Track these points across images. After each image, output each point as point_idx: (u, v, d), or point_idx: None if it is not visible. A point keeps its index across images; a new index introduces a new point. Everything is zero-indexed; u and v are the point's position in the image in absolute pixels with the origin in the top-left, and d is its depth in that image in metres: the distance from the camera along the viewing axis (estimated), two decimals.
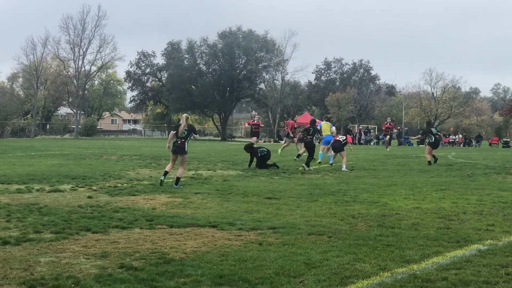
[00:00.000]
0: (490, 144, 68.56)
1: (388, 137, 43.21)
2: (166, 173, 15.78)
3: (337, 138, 24.01)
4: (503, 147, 63.21)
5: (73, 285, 5.90)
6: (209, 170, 20.26)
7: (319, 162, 24.14)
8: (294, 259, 7.01)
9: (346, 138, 24.93)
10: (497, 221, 9.97)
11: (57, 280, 6.02)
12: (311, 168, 21.22)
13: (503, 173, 20.12)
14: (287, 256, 7.14)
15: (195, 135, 16.10)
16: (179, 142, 15.73)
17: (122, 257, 7.08)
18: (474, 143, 67.33)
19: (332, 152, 24.30)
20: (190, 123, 16.55)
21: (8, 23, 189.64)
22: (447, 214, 10.64)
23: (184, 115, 16.70)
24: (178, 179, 15.40)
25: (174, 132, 15.93)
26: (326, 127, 26.01)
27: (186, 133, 15.79)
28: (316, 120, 27.13)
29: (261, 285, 5.94)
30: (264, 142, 69.47)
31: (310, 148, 22.46)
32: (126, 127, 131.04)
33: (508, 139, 69.98)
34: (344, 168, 21.23)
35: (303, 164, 21.59)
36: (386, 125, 43.46)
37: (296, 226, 9.22)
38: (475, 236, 8.55)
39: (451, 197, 13.14)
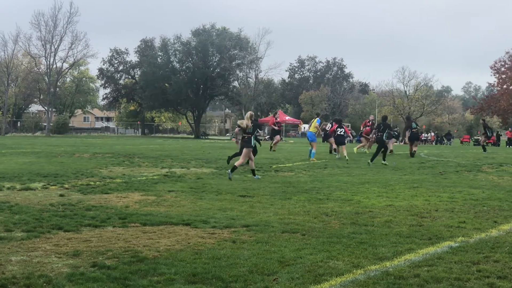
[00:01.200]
0: (461, 142, 69.30)
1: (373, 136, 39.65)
2: (234, 167, 16.88)
3: (338, 133, 25.72)
4: (474, 145, 63.89)
5: (44, 284, 5.83)
6: (182, 168, 20.18)
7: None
8: (267, 257, 7.01)
9: (344, 130, 26.37)
10: (469, 218, 10.06)
11: (28, 279, 5.95)
12: (386, 163, 22.78)
13: (474, 171, 20.32)
14: (260, 254, 7.14)
15: (260, 131, 17.33)
16: (246, 137, 17.19)
17: (95, 256, 7.02)
18: (445, 141, 67.94)
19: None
20: (253, 119, 17.74)
21: None
22: (419, 212, 10.72)
23: (249, 112, 18.04)
24: (235, 167, 16.83)
25: (239, 128, 17.57)
26: (314, 124, 26.63)
27: (252, 129, 17.27)
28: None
29: (234, 283, 5.93)
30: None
31: (381, 144, 23.79)
32: (99, 124, 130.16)
33: (479, 137, 70.72)
34: (345, 155, 24.80)
35: (382, 161, 23.01)
36: (368, 123, 38.51)
37: (270, 224, 9.22)
38: (446, 233, 8.62)
39: (424, 195, 13.23)
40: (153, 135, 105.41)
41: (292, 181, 16.14)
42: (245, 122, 17.18)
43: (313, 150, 25.65)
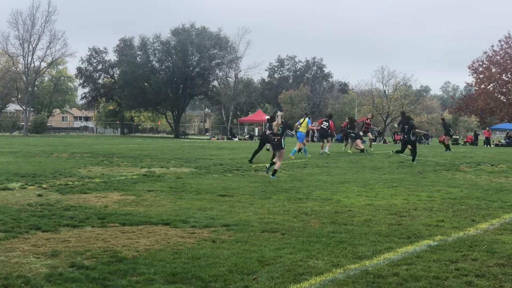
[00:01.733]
0: (440, 142, 69.71)
1: (369, 134, 37.84)
2: (272, 163, 17.43)
3: (322, 126, 26.27)
4: (453, 144, 64.32)
5: (23, 285, 5.79)
6: (162, 167, 20.12)
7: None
8: (247, 256, 7.01)
9: (329, 125, 26.86)
10: (447, 217, 10.13)
11: (6, 279, 5.90)
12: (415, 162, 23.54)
13: (452, 170, 20.46)
14: (240, 254, 7.13)
15: (291, 132, 17.53)
16: (275, 139, 17.25)
17: (73, 256, 6.98)
18: (424, 140, 68.29)
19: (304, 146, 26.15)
20: (283, 120, 17.70)
21: None
22: (398, 211, 10.77)
23: (279, 112, 17.99)
24: (275, 171, 16.95)
25: (270, 131, 17.90)
26: (304, 124, 27.07)
27: (281, 130, 17.25)
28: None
29: (214, 283, 5.92)
30: (217, 139, 69.39)
31: (413, 145, 24.63)
32: (77, 124, 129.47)
33: (458, 137, 71.24)
34: (327, 150, 23.99)
35: (412, 161, 23.66)
36: (366, 121, 37.73)
37: (250, 223, 9.22)
38: (425, 232, 8.67)
39: (403, 194, 13.31)
40: (132, 134, 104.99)
41: (272, 180, 16.15)
42: (275, 124, 17.32)
43: (296, 148, 26.21)
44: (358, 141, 31.07)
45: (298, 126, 27.22)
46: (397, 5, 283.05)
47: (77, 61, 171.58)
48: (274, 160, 17.77)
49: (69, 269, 6.40)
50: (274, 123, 17.44)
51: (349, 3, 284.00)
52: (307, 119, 27.95)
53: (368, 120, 35.55)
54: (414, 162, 23.64)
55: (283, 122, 17.38)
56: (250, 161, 22.85)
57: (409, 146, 25.10)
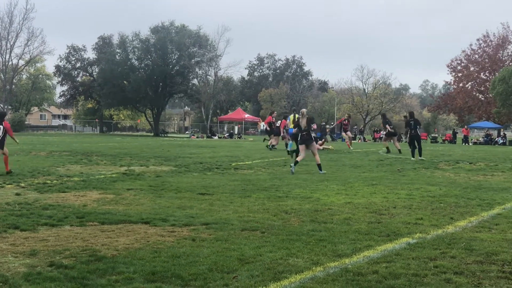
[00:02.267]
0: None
1: (349, 133, 37.62)
2: (296, 162, 18.29)
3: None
4: (432, 142, 64.73)
5: (1, 284, 5.74)
6: (142, 166, 20.05)
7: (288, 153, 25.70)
8: (227, 254, 7.00)
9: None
10: (426, 215, 10.18)
11: None
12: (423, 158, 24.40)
13: (431, 168, 20.59)
14: (220, 252, 7.12)
15: (313, 127, 19.97)
16: (305, 134, 18.48)
17: (52, 255, 6.93)
18: (403, 138, 68.67)
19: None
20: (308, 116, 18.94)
21: None
22: (378, 209, 10.82)
23: (304, 110, 19.42)
24: (319, 165, 18.30)
25: (297, 128, 19.07)
26: (293, 119, 27.66)
27: (307, 126, 18.49)
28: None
29: (194, 281, 5.91)
30: (197, 138, 69.30)
31: (417, 140, 25.36)
32: (56, 122, 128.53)
33: (436, 135, 71.72)
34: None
35: (420, 157, 24.53)
36: (344, 122, 38.04)
37: (229, 221, 9.21)
38: (404, 230, 8.71)
39: (382, 192, 13.36)
40: (111, 133, 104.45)
41: (252, 179, 16.15)
42: (302, 121, 18.60)
43: (290, 142, 26.81)
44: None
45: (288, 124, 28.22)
46: (376, 4, 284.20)
47: (55, 59, 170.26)
48: (299, 158, 18.62)
49: (48, 268, 6.36)
50: (301, 120, 18.67)
51: (329, 2, 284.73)
52: (297, 115, 28.25)
53: (346, 121, 36.06)
54: (420, 158, 24.57)
55: (307, 118, 18.58)
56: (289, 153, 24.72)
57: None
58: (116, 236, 8.11)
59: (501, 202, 11.91)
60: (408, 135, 26.18)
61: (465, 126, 69.77)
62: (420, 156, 24.71)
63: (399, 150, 30.09)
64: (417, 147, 25.18)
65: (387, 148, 31.49)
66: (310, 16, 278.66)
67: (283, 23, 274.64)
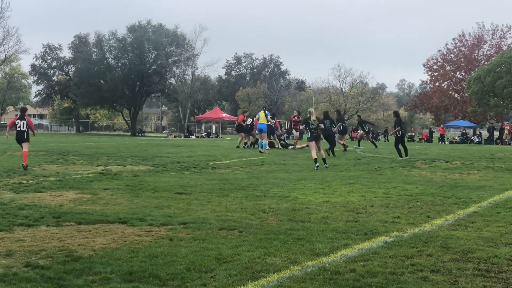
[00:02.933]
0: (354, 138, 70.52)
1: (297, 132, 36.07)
2: (316, 160, 19.52)
3: (268, 123, 28.29)
4: (409, 141, 65.13)
5: None
6: (119, 165, 19.95)
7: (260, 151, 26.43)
8: (205, 254, 6.98)
9: (274, 122, 28.57)
10: (403, 213, 10.24)
11: None
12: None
13: (408, 167, 20.70)
14: (198, 252, 7.10)
15: (321, 125, 21.61)
16: (314, 132, 20.03)
17: (28, 256, 6.86)
18: (382, 137, 68.99)
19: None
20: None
21: None
22: (355, 208, 10.85)
23: (311, 109, 20.79)
24: (324, 159, 19.99)
25: (305, 125, 20.58)
26: (262, 116, 28.52)
27: (315, 125, 20.05)
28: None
29: (172, 281, 5.88)
30: (175, 137, 69.13)
31: (401, 139, 25.73)
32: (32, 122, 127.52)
33: (413, 134, 72.20)
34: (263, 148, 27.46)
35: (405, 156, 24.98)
36: (293, 118, 36.85)
37: (207, 221, 9.19)
38: (382, 228, 8.75)
39: (359, 191, 13.41)
40: (88, 132, 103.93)
41: (229, 178, 16.14)
42: (313, 120, 20.04)
43: (264, 142, 27.26)
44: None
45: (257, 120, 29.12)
46: (354, 3, 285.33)
47: (31, 58, 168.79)
48: (315, 155, 19.81)
49: (24, 268, 6.30)
50: (312, 119, 19.97)
51: (306, 2, 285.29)
52: (266, 111, 29.53)
53: (295, 117, 35.60)
54: (406, 157, 24.80)
55: (317, 117, 20.19)
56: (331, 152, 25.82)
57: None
58: (93, 236, 8.06)
59: (477, 200, 12.00)
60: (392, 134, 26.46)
61: (441, 125, 70.27)
62: (407, 155, 25.08)
63: (345, 146, 31.68)
64: (403, 144, 25.55)
65: (344, 145, 32.29)
66: (287, 15, 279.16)
67: (260, 22, 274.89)
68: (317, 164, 19.27)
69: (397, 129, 25.17)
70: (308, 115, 20.22)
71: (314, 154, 19.80)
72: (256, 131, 31.06)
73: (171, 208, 10.61)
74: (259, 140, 28.85)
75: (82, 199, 11.67)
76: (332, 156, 25.32)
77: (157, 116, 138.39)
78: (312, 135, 20.00)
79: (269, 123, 30.25)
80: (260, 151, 27.36)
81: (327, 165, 19.68)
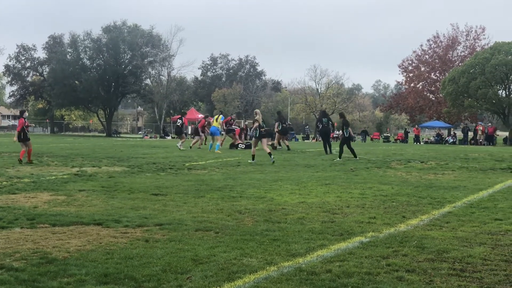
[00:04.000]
0: (372, 139, 70.99)
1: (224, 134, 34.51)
2: (253, 156, 22.38)
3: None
4: (384, 141, 65.55)
5: None
6: (94, 166, 19.82)
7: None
8: (181, 255, 6.96)
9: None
10: (379, 213, 10.28)
11: None
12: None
13: (383, 167, 20.82)
14: (174, 253, 7.08)
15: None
16: (262, 131, 22.73)
17: (2, 258, 6.79)
18: (360, 138, 69.22)
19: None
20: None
21: None
22: (331, 208, 10.88)
23: (257, 110, 23.44)
24: (269, 154, 22.11)
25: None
26: (218, 119, 30.56)
27: (263, 125, 22.78)
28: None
29: (147, 283, 5.85)
30: (150, 138, 68.88)
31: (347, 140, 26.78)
32: (6, 123, 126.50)
33: (389, 134, 72.65)
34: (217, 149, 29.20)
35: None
36: (230, 121, 36.09)
37: (183, 222, 9.16)
38: (357, 228, 8.78)
39: (335, 191, 13.44)
40: (63, 133, 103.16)
41: (205, 179, 16.10)
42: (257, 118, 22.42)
43: (218, 143, 29.88)
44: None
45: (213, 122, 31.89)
46: (329, 5, 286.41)
47: (4, 58, 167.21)
48: (255, 151, 22.37)
49: None
50: (256, 118, 22.23)
51: (282, 3, 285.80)
52: (221, 116, 32.69)
53: (232, 120, 36.96)
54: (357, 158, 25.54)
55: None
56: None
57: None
58: (67, 238, 7.99)
59: (452, 200, 12.09)
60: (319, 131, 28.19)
61: (416, 126, 70.69)
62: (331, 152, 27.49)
63: (274, 146, 33.09)
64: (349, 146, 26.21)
65: (279, 144, 34.19)
66: (263, 16, 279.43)
67: (236, 23, 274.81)
68: (254, 160, 22.10)
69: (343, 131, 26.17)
70: (256, 116, 22.71)
71: (254, 151, 22.72)
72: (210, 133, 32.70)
73: (147, 209, 10.56)
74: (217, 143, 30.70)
75: (57, 201, 11.57)
76: (331, 154, 28.02)
77: (132, 117, 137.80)
78: (261, 133, 22.74)
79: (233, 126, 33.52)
80: (217, 152, 29.20)
81: (273, 160, 21.91)
